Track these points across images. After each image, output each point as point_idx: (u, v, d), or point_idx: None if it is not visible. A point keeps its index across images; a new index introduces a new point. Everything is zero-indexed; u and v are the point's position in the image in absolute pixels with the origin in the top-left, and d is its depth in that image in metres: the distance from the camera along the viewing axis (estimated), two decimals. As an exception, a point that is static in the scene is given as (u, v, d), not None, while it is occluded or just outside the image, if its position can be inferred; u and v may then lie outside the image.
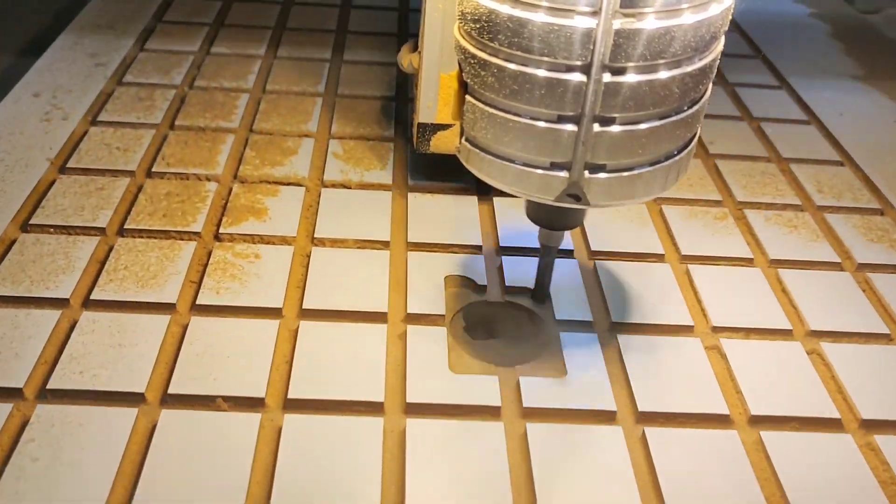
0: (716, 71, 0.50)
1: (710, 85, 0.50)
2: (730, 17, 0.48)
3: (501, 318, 0.62)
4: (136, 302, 0.60)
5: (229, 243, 0.66)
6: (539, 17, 0.45)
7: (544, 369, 0.58)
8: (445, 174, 0.74)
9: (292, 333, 0.59)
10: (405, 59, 0.67)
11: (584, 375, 0.57)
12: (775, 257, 0.70)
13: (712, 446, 0.53)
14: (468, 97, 0.50)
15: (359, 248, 0.67)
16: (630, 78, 0.46)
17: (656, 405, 0.55)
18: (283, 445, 0.51)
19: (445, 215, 0.70)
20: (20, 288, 0.61)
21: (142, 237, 0.67)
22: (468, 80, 0.49)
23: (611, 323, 0.62)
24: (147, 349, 0.56)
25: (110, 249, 0.65)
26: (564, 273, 0.65)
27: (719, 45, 0.49)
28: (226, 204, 0.70)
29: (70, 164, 0.74)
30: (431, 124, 0.66)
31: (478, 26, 0.47)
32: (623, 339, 0.60)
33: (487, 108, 0.49)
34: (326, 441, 0.51)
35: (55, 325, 0.58)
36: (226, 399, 0.53)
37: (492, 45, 0.47)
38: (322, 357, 0.57)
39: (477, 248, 0.67)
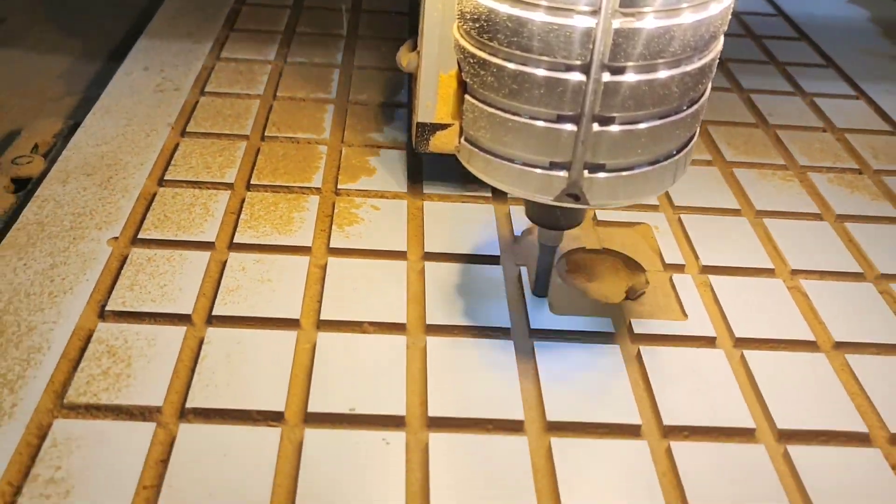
0: (715, 70, 0.50)
1: (710, 84, 0.51)
2: (729, 17, 0.49)
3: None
4: (276, 245, 0.67)
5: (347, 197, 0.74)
6: (538, 17, 0.46)
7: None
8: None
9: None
10: (404, 58, 0.68)
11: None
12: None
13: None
14: (467, 97, 0.51)
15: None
16: (629, 77, 0.47)
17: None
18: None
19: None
20: (167, 233, 0.68)
21: (268, 191, 0.74)
22: (467, 80, 0.51)
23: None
24: (294, 286, 0.64)
25: (242, 202, 0.72)
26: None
27: (719, 45, 0.50)
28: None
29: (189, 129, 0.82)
30: (430, 124, 0.67)
31: (477, 25, 0.48)
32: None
33: (487, 108, 0.50)
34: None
35: (206, 265, 0.65)
36: (371, 324, 0.61)
37: (491, 44, 0.48)
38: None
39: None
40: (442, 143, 0.67)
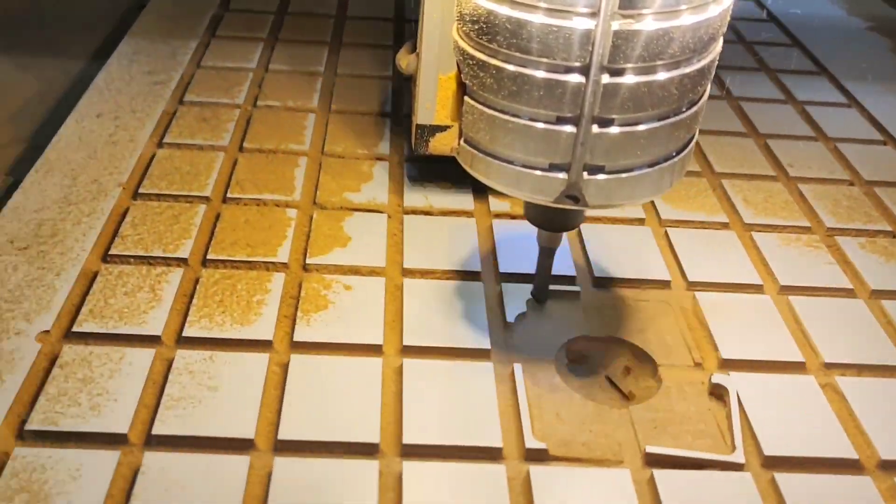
0: (714, 72, 0.55)
1: (709, 86, 0.57)
2: (728, 19, 0.54)
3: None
4: (231, 339, 0.64)
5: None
6: (538, 19, 0.50)
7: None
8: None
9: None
10: (403, 60, 0.75)
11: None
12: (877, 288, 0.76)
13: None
14: (467, 98, 0.56)
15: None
16: (629, 79, 0.51)
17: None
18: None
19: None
20: (108, 324, 0.64)
21: (227, 268, 0.72)
22: (467, 82, 0.56)
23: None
24: (249, 394, 0.60)
25: (196, 282, 0.70)
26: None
27: (718, 46, 0.57)
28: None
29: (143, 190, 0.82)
30: (430, 126, 0.72)
31: (476, 27, 0.54)
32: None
33: (486, 110, 0.55)
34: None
35: (150, 366, 0.61)
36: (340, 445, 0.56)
37: (490, 46, 0.53)
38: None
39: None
40: (441, 145, 0.73)
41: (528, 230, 0.63)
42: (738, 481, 0.56)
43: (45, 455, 0.53)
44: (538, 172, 0.53)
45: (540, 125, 0.51)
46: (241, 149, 0.86)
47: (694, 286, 0.73)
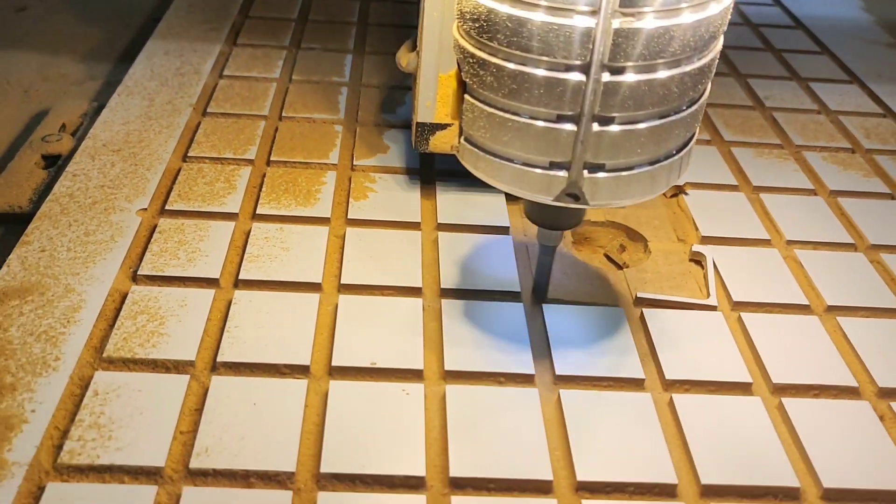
0: (714, 70, 0.46)
1: (710, 84, 0.47)
2: (729, 17, 0.45)
3: None
4: (297, 216, 0.65)
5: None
6: (538, 17, 0.42)
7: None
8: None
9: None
10: (403, 58, 0.64)
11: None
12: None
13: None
14: (467, 96, 0.47)
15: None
16: (629, 77, 0.43)
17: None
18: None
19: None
20: (193, 205, 0.66)
21: (286, 167, 0.71)
22: (467, 80, 0.47)
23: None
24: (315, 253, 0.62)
25: (263, 177, 0.70)
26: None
27: (718, 45, 0.46)
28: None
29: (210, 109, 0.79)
30: (430, 124, 0.63)
31: (477, 25, 0.44)
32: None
33: (486, 108, 0.46)
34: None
35: (232, 234, 0.63)
36: (389, 288, 0.59)
37: (491, 44, 0.44)
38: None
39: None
40: (441, 143, 0.63)
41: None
42: (711, 318, 0.58)
43: (157, 291, 0.56)
44: (538, 171, 0.45)
45: (540, 123, 0.44)
46: (290, 80, 0.85)
47: (680, 188, 0.71)
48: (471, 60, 0.45)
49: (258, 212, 0.65)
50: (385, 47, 0.94)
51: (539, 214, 0.52)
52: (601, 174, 0.46)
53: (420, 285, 0.59)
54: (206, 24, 0.97)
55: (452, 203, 0.68)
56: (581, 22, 0.41)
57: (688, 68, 0.43)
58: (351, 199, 0.67)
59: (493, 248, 0.63)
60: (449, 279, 0.60)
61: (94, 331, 0.53)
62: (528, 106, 0.44)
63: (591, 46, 0.42)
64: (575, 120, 0.44)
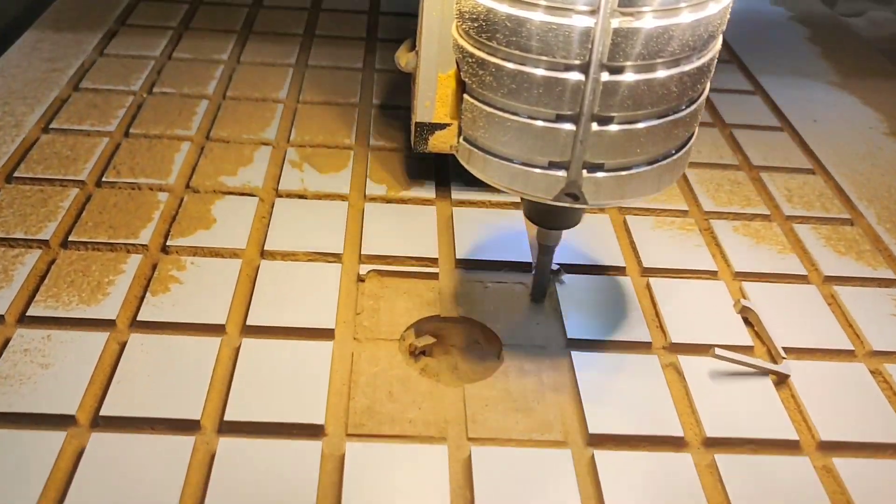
0: (714, 70, 0.46)
1: (709, 84, 0.47)
2: (728, 16, 0.45)
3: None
4: (74, 318, 0.55)
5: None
6: (537, 16, 0.42)
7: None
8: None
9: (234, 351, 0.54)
10: (403, 58, 0.64)
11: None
12: (741, 270, 0.65)
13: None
14: (466, 96, 0.47)
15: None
16: (628, 77, 0.43)
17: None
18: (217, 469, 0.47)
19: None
20: None
21: (88, 249, 0.61)
22: (466, 80, 0.47)
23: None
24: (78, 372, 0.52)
25: (52, 262, 0.60)
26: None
27: (717, 44, 0.46)
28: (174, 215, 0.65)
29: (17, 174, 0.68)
30: (429, 124, 0.62)
31: (476, 25, 0.44)
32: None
33: (485, 108, 0.46)
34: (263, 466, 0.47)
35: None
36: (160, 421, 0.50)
37: (490, 43, 0.44)
38: (264, 375, 0.53)
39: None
40: (440, 143, 0.63)
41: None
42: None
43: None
44: (538, 170, 0.45)
45: (539, 123, 0.44)
46: (126, 135, 0.73)
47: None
48: (470, 60, 0.45)
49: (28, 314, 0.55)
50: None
51: (538, 214, 0.51)
52: (600, 174, 0.45)
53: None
54: (48, 63, 0.85)
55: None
56: (580, 21, 0.41)
57: (687, 68, 0.44)
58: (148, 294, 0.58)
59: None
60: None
61: None
62: (528, 105, 0.44)
63: (590, 46, 0.42)
64: (574, 119, 0.44)
